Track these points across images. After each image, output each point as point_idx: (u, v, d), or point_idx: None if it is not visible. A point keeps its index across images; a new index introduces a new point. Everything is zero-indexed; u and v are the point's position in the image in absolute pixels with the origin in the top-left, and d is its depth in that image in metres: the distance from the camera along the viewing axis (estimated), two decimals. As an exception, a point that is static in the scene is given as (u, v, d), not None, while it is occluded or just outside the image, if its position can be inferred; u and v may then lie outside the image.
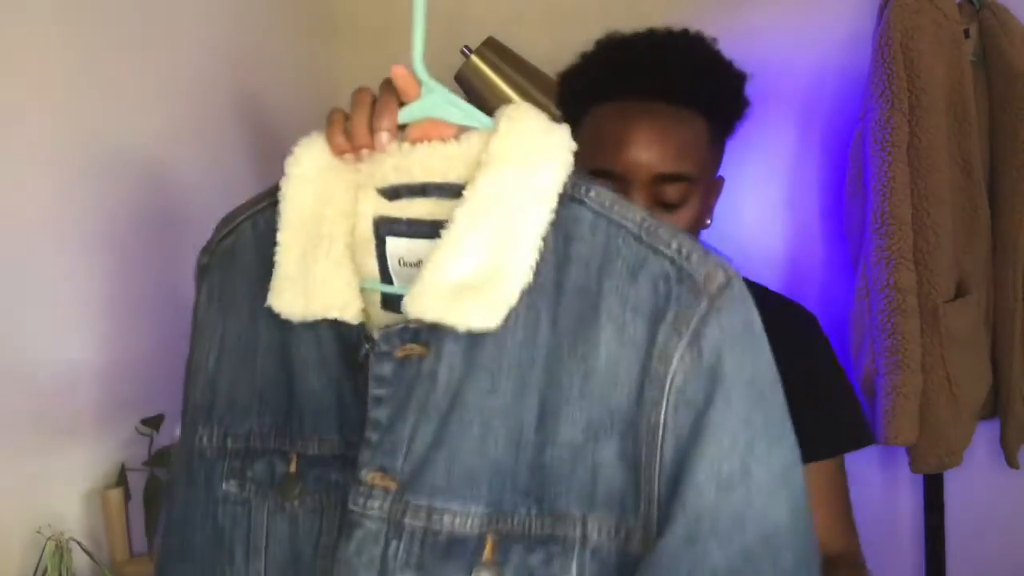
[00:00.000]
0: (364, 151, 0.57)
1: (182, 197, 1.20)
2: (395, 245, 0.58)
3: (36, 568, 0.89)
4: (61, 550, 0.88)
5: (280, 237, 0.57)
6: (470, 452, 0.51)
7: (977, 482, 1.47)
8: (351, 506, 0.53)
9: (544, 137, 0.54)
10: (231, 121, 1.34)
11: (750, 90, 1.50)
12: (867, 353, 1.27)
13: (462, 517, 0.51)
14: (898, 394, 1.21)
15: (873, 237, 1.24)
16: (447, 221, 0.52)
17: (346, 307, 0.55)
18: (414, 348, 0.52)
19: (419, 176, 0.56)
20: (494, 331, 0.50)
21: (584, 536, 0.49)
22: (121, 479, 1.03)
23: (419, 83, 0.58)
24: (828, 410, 0.94)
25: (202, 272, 0.67)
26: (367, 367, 0.54)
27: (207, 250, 0.68)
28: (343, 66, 1.74)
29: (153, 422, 1.07)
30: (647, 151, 0.83)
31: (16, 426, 0.89)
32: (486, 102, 1.40)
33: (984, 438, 1.39)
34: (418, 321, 0.51)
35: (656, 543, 0.47)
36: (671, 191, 0.84)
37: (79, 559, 0.93)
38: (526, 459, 0.50)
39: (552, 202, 0.51)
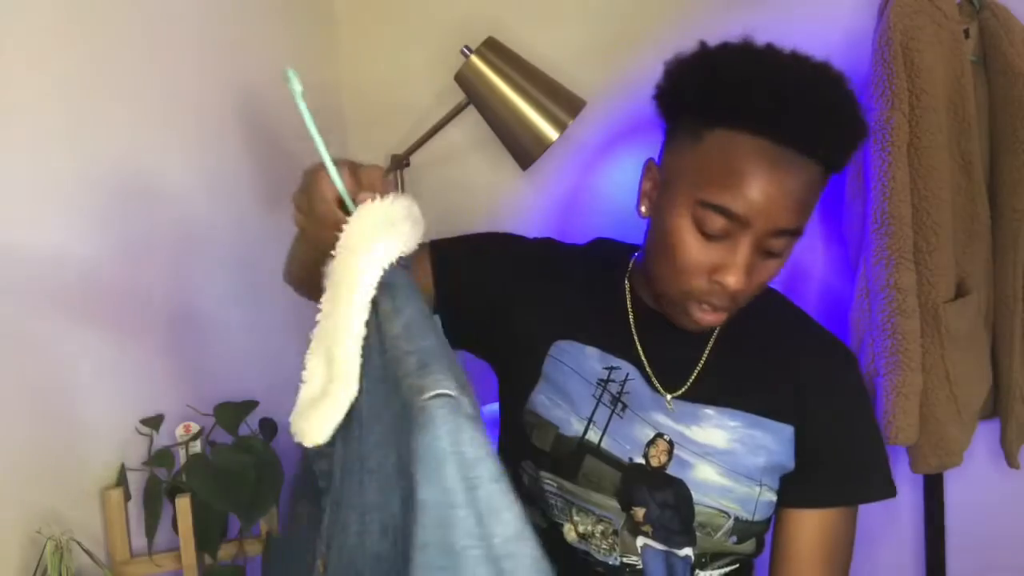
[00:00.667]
0: None
1: (182, 196, 1.20)
2: None
3: (36, 568, 0.89)
4: (61, 550, 0.88)
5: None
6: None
7: (977, 482, 1.47)
8: None
9: (371, 233, 0.60)
10: (231, 119, 1.34)
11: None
12: (867, 353, 1.27)
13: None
14: (898, 394, 1.21)
15: (873, 237, 1.24)
16: None
17: None
18: None
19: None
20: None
21: None
22: (121, 479, 1.03)
23: None
24: (854, 461, 0.93)
25: None
26: None
27: None
28: (343, 64, 1.74)
29: (153, 422, 1.07)
30: (777, 205, 0.77)
31: (16, 426, 0.89)
32: (486, 102, 1.41)
33: (984, 438, 1.39)
34: None
35: None
36: (781, 243, 0.81)
37: (79, 559, 0.93)
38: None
39: (366, 307, 0.59)
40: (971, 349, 1.29)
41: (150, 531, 1.02)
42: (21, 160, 0.91)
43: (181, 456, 1.11)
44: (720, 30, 1.54)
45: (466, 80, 1.41)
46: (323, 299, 0.61)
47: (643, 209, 0.90)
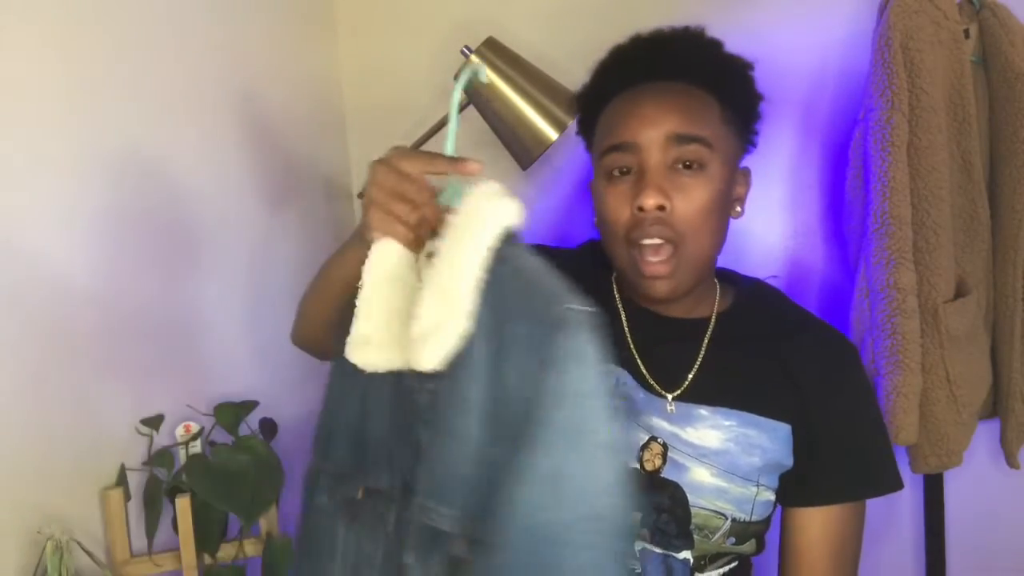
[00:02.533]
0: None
1: (182, 197, 1.20)
2: None
3: (36, 568, 0.89)
4: (61, 550, 0.88)
5: (358, 302, 0.72)
6: (445, 468, 0.66)
7: (977, 482, 1.47)
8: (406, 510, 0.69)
9: (485, 210, 0.67)
10: (231, 120, 1.34)
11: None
12: (867, 353, 1.27)
13: (438, 515, 0.66)
14: (898, 394, 1.21)
15: (873, 237, 1.24)
16: None
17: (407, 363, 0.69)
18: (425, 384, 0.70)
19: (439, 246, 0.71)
20: (460, 369, 0.64)
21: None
22: (121, 479, 1.03)
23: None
24: (859, 456, 0.92)
25: None
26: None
27: None
28: (343, 65, 1.74)
29: (153, 422, 1.07)
30: (659, 115, 0.86)
31: (16, 426, 0.89)
32: (486, 101, 1.41)
33: (984, 438, 1.39)
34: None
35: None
36: (689, 151, 0.86)
37: (79, 559, 0.93)
38: (487, 476, 0.63)
39: (481, 265, 0.66)
40: (971, 349, 1.29)
41: (150, 531, 1.02)
42: (22, 160, 0.91)
43: (181, 456, 1.11)
44: (720, 30, 1.54)
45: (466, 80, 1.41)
46: (438, 247, 0.67)
47: (596, 221, 0.97)
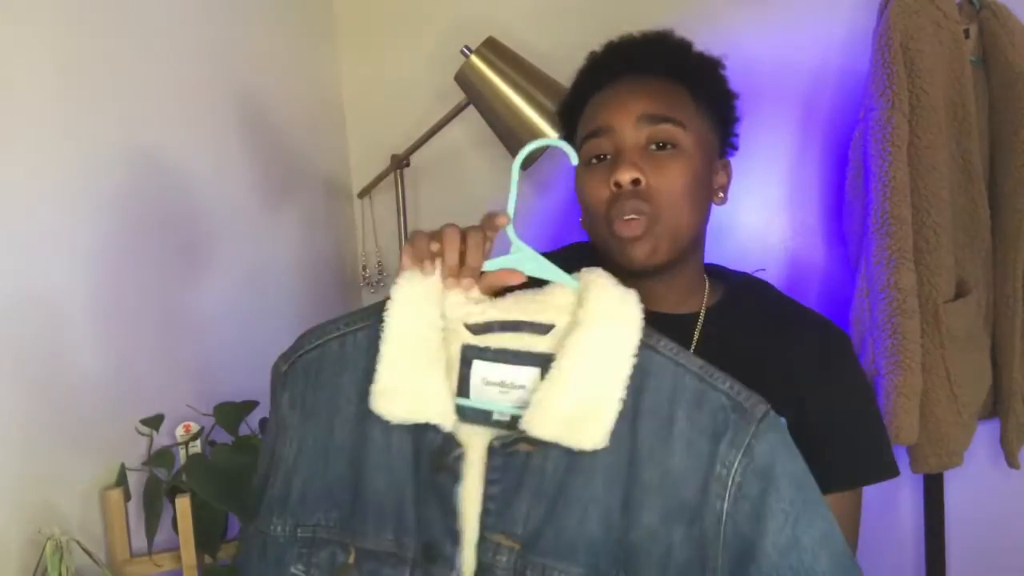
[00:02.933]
0: (464, 281, 0.72)
1: (182, 198, 1.20)
2: (480, 368, 0.73)
3: (36, 568, 0.89)
4: (61, 550, 0.88)
5: (383, 349, 0.71)
6: (572, 528, 0.67)
7: (977, 482, 1.47)
8: (483, 557, 0.68)
9: (623, 304, 0.70)
10: (231, 120, 1.34)
11: (750, 88, 1.51)
12: (867, 353, 1.27)
13: (565, 573, 0.67)
14: (898, 394, 1.21)
15: (873, 237, 1.24)
16: (537, 354, 0.71)
17: (445, 416, 0.70)
18: (524, 446, 0.69)
19: (516, 316, 0.73)
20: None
21: None
22: (121, 479, 1.03)
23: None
24: (854, 443, 0.92)
25: (281, 378, 0.78)
26: (452, 467, 0.69)
27: (287, 358, 0.79)
28: (343, 64, 1.74)
29: (153, 422, 1.07)
30: (630, 98, 0.89)
31: (16, 426, 0.89)
32: (486, 101, 1.41)
33: (984, 438, 1.39)
34: (536, 438, 0.67)
35: None
36: (661, 130, 0.88)
37: (79, 559, 0.93)
38: (614, 537, 0.67)
39: (633, 353, 0.68)
40: (971, 349, 1.29)
41: (150, 531, 1.02)
42: (23, 160, 0.91)
43: (181, 456, 1.11)
44: (721, 30, 1.55)
45: (466, 80, 1.41)
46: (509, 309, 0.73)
47: (581, 214, 0.99)
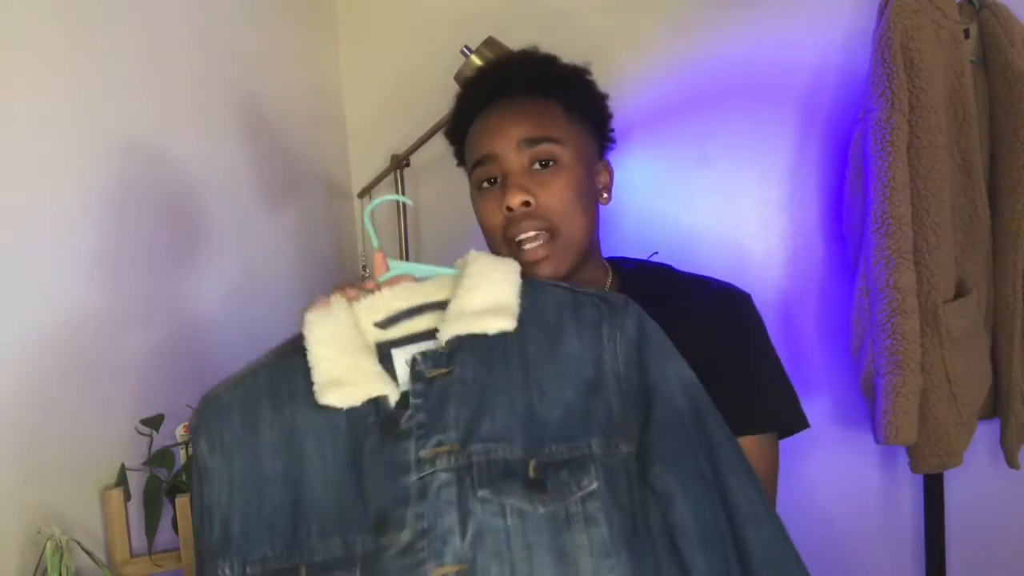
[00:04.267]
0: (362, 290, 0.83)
1: (183, 197, 1.20)
2: (400, 354, 0.79)
3: (36, 568, 0.89)
4: (61, 550, 0.88)
5: (314, 353, 0.77)
6: (503, 415, 0.75)
7: (977, 482, 1.47)
8: (422, 472, 0.73)
9: (501, 259, 0.83)
10: (231, 120, 1.34)
11: (750, 88, 1.51)
12: (867, 353, 1.27)
13: (509, 452, 0.74)
14: (898, 394, 1.21)
15: (873, 237, 1.24)
16: (438, 329, 0.78)
17: (390, 388, 0.76)
18: (439, 370, 0.76)
19: (417, 300, 0.81)
20: (510, 334, 0.77)
21: (591, 453, 0.75)
22: (121, 479, 1.03)
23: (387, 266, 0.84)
24: (758, 389, 0.95)
25: (195, 431, 0.79)
26: (407, 427, 0.75)
27: (197, 412, 0.80)
28: (343, 64, 1.74)
29: (153, 422, 1.07)
30: (508, 125, 0.95)
31: (16, 426, 0.89)
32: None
33: (984, 438, 1.39)
34: (449, 343, 0.76)
35: (648, 426, 0.77)
36: (540, 151, 0.94)
37: (79, 559, 0.93)
38: (540, 417, 0.76)
39: (517, 272, 0.81)
40: (971, 349, 1.29)
41: (150, 531, 1.02)
42: (21, 160, 0.91)
43: (181, 456, 1.11)
44: (720, 30, 1.55)
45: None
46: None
47: (487, 242, 1.04)
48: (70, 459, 0.97)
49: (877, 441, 1.24)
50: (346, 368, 0.76)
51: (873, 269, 1.25)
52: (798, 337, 1.53)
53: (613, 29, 1.55)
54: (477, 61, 1.38)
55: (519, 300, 0.79)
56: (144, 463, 1.07)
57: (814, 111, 1.49)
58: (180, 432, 1.11)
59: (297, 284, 1.53)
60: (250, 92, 1.39)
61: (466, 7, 1.62)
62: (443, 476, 0.72)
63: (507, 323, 0.77)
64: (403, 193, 1.63)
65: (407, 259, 1.65)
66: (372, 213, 0.85)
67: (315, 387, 0.75)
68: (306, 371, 0.77)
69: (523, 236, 0.94)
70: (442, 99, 1.61)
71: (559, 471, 0.73)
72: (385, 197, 0.88)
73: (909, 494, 1.52)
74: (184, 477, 1.06)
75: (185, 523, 1.05)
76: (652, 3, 1.49)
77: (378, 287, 0.82)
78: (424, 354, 0.77)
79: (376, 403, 0.75)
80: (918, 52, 1.22)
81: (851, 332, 1.32)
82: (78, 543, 0.93)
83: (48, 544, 0.88)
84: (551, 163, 0.95)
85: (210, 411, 0.79)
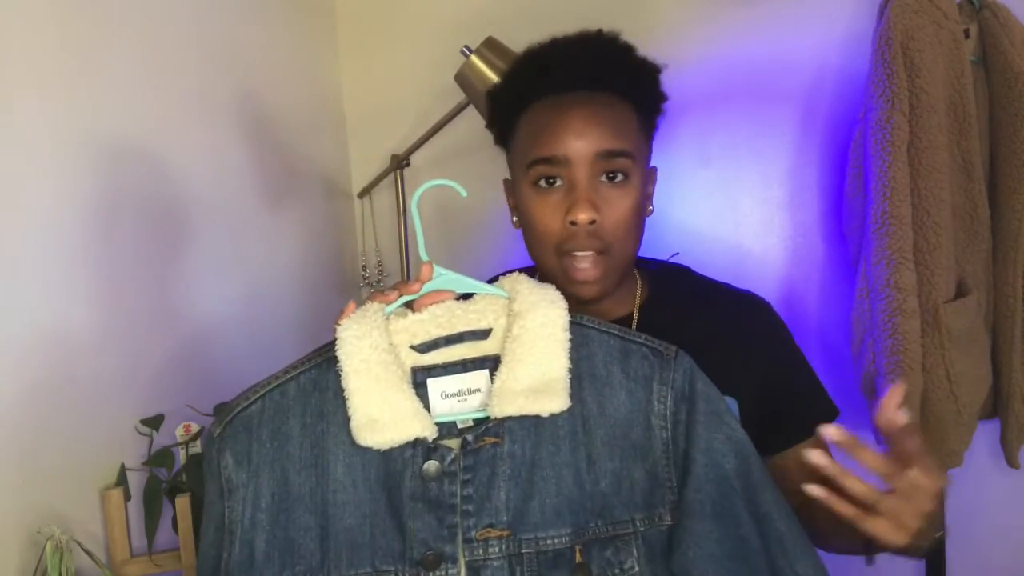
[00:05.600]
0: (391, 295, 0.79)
1: (183, 197, 1.20)
2: (435, 384, 0.77)
3: (36, 568, 0.89)
4: (61, 550, 0.88)
5: (350, 385, 0.74)
6: (553, 496, 0.74)
7: (977, 482, 1.47)
8: (472, 557, 0.72)
9: (546, 292, 0.79)
10: (232, 120, 1.34)
11: (750, 88, 1.51)
12: (867, 353, 1.27)
13: (557, 538, 0.73)
14: (898, 394, 1.21)
15: (873, 237, 1.24)
16: (483, 357, 0.78)
17: (429, 428, 0.74)
18: (489, 439, 0.75)
19: (459, 328, 0.79)
20: (558, 413, 0.75)
21: (635, 530, 0.75)
22: (121, 479, 1.03)
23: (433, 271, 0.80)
24: (796, 401, 0.96)
25: (217, 441, 0.76)
26: (450, 469, 0.74)
27: (220, 420, 0.77)
28: (343, 64, 1.74)
29: (153, 422, 1.07)
30: (587, 131, 0.88)
31: (16, 426, 0.89)
32: (486, 102, 1.40)
33: (984, 438, 1.39)
34: (497, 420, 0.74)
35: (682, 498, 0.75)
36: (616, 164, 0.89)
37: (79, 559, 0.93)
38: (587, 491, 0.75)
39: (566, 327, 0.77)
40: (971, 349, 1.29)
41: (150, 531, 1.02)
42: (21, 160, 0.91)
43: (181, 456, 1.11)
44: (720, 29, 1.55)
45: (466, 80, 1.41)
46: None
47: (514, 220, 0.99)
48: (70, 459, 0.97)
49: (877, 441, 1.24)
50: (384, 405, 0.73)
51: (873, 269, 1.25)
52: (798, 337, 1.51)
53: (613, 30, 1.55)
54: (477, 61, 1.38)
55: (569, 364, 0.76)
56: (144, 463, 1.07)
57: (814, 111, 1.49)
58: (180, 432, 1.11)
59: (297, 284, 1.53)
60: (250, 92, 1.39)
61: (466, 7, 1.62)
62: (495, 563, 0.72)
63: (559, 404, 0.74)
64: (403, 193, 1.63)
65: (407, 259, 1.65)
66: (418, 204, 0.79)
67: (351, 424, 0.73)
68: (338, 389, 0.74)
69: (581, 253, 0.89)
70: (442, 99, 1.61)
71: (604, 550, 0.74)
72: (435, 181, 0.80)
73: (909, 494, 1.51)
74: (184, 477, 1.06)
75: (185, 523, 1.05)
76: (652, 3, 1.49)
77: (419, 289, 0.79)
78: (472, 429, 0.75)
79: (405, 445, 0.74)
80: (918, 52, 1.22)
81: (851, 332, 1.32)
82: (78, 543, 0.93)
83: (48, 544, 0.88)
84: (619, 177, 0.89)
85: (237, 423, 0.76)
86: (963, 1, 1.31)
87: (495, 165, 1.62)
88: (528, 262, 1.06)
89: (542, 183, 0.90)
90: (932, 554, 1.45)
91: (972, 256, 1.32)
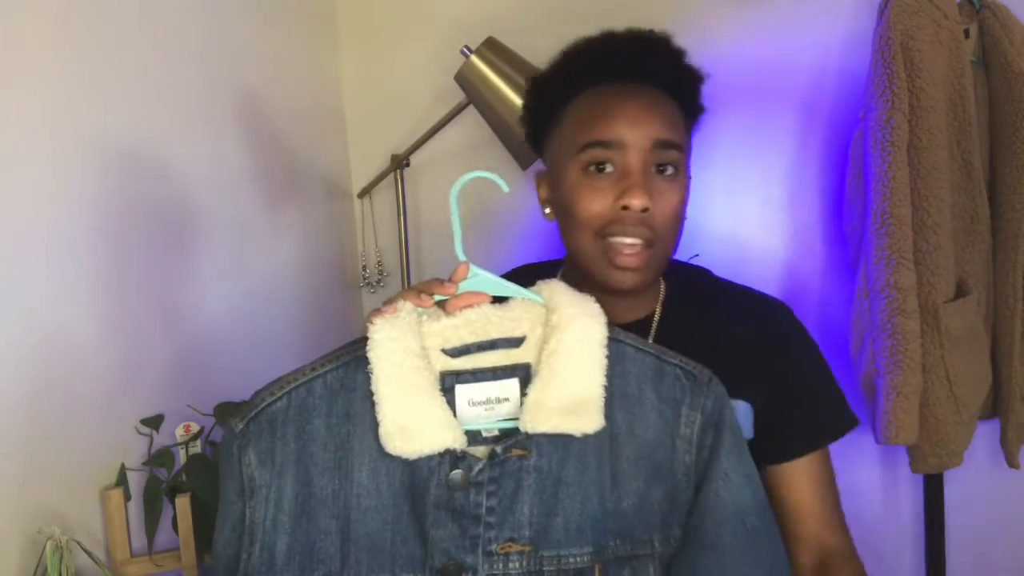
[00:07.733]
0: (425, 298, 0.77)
1: (183, 197, 1.20)
2: (463, 391, 0.76)
3: (36, 568, 0.89)
4: (61, 550, 0.88)
5: (380, 391, 0.72)
6: (577, 513, 0.73)
7: (977, 482, 1.47)
8: (492, 571, 0.72)
9: (586, 305, 0.77)
10: (232, 120, 1.34)
11: (751, 88, 1.51)
12: (867, 353, 1.27)
13: (578, 557, 0.73)
14: (898, 394, 1.21)
15: (873, 237, 1.24)
16: (514, 366, 0.77)
17: (459, 439, 0.73)
18: (516, 451, 0.73)
19: (493, 335, 0.77)
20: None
21: (653, 551, 0.74)
22: (121, 479, 1.03)
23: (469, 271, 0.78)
24: (814, 407, 0.96)
25: (239, 437, 0.74)
26: (477, 479, 0.73)
27: (243, 416, 0.75)
28: (344, 65, 1.74)
29: (153, 422, 1.07)
30: (644, 118, 0.88)
31: (16, 426, 0.89)
32: (486, 101, 1.41)
33: (984, 438, 1.39)
34: (526, 434, 0.73)
35: (694, 522, 0.75)
36: (670, 156, 0.88)
37: (79, 559, 0.93)
38: (610, 510, 0.74)
39: (604, 344, 0.76)
40: (971, 349, 1.29)
41: (150, 531, 1.02)
42: (21, 160, 0.91)
43: (181, 456, 1.11)
44: (721, 29, 1.55)
45: (466, 80, 1.41)
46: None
47: (546, 212, 0.98)
48: (70, 459, 0.97)
49: (877, 441, 1.24)
50: (414, 412, 0.72)
51: (873, 269, 1.24)
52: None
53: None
54: (477, 61, 1.39)
55: (605, 382, 0.75)
56: (144, 463, 1.07)
57: (814, 111, 1.49)
58: (180, 432, 1.11)
59: (297, 284, 1.53)
60: (250, 92, 1.39)
61: (466, 7, 1.62)
62: None
63: (593, 425, 0.73)
64: (403, 193, 1.63)
65: (407, 259, 1.65)
66: (457, 198, 0.78)
67: (381, 431, 0.72)
68: (366, 391, 0.73)
69: (629, 240, 0.87)
70: (442, 99, 1.62)
71: (622, 568, 0.73)
72: (475, 173, 0.77)
73: (909, 494, 1.52)
74: (184, 477, 1.06)
75: (185, 523, 1.05)
76: (652, 4, 1.49)
77: (454, 291, 0.78)
78: (499, 438, 0.75)
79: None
80: (918, 52, 1.22)
81: (851, 332, 1.32)
82: (78, 543, 0.93)
83: (48, 544, 0.88)
84: (669, 170, 0.89)
85: (261, 420, 0.74)
86: (963, 1, 1.31)
87: (495, 165, 1.63)
88: (530, 260, 1.06)
89: (592, 168, 0.88)
90: (933, 554, 1.45)
91: (972, 256, 1.32)
